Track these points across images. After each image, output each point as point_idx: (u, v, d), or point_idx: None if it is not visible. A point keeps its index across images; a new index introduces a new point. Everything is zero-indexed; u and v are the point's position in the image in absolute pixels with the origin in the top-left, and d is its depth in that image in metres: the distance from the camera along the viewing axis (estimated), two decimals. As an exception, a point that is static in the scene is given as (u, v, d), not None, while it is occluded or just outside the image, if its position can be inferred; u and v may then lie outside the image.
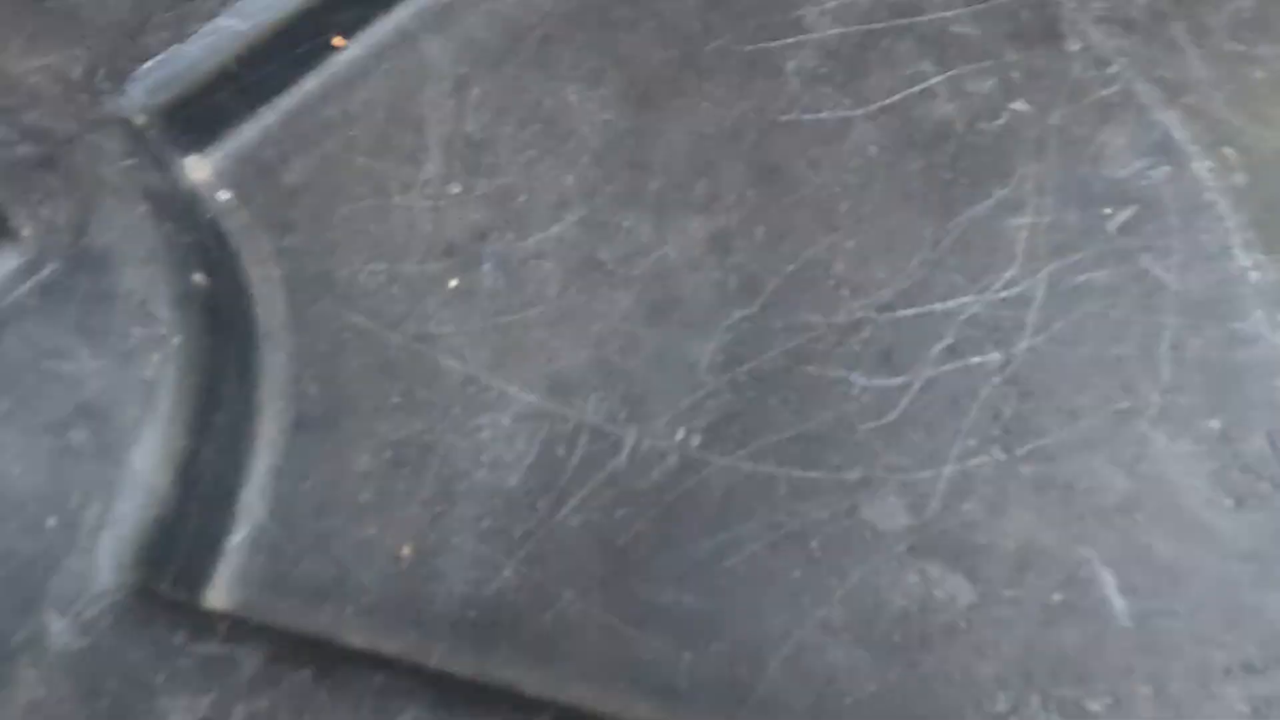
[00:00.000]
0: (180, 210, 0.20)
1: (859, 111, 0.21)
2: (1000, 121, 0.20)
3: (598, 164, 0.22)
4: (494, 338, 0.20)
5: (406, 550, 0.18)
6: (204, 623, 0.15)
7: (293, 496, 0.18)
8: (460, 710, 0.16)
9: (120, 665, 0.15)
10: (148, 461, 0.17)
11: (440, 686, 0.16)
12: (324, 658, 0.16)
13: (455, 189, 0.22)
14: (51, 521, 0.16)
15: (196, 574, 0.17)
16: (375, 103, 0.24)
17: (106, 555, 0.16)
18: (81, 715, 0.15)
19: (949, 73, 0.21)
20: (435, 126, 0.23)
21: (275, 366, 0.20)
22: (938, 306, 0.18)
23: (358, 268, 0.22)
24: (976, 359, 0.18)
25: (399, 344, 0.20)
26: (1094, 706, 0.16)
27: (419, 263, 0.21)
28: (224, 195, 0.23)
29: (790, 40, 0.22)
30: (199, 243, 0.20)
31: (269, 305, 0.21)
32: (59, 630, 0.16)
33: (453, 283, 0.21)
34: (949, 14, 0.22)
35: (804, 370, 0.18)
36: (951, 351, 0.18)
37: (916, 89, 0.21)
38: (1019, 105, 0.20)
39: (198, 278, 0.19)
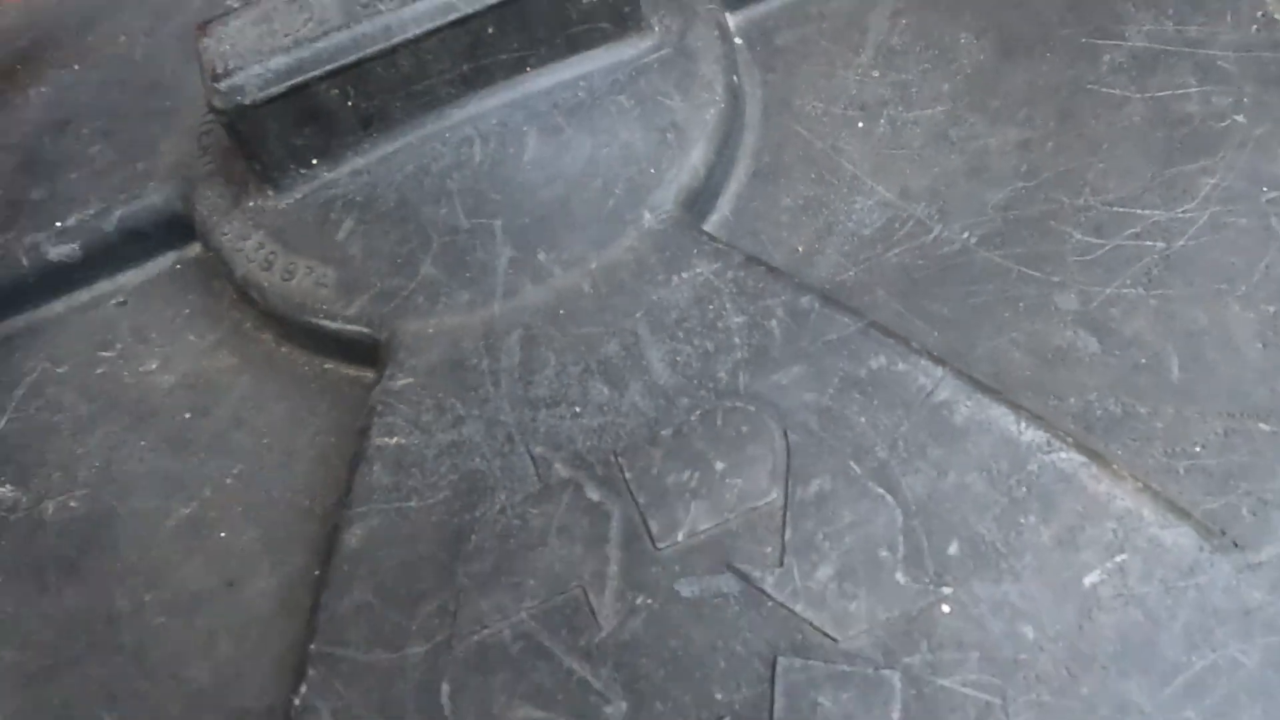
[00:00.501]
0: (722, 37, 0.36)
1: (1137, 95, 0.34)
2: (1224, 124, 0.32)
3: (965, 81, 0.35)
4: (876, 159, 0.34)
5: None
6: (707, 240, 0.31)
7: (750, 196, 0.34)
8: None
9: (655, 262, 0.31)
10: (699, 158, 0.33)
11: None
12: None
13: (875, 74, 0.37)
14: (651, 170, 0.32)
15: (703, 216, 0.33)
16: (840, 11, 0.39)
17: (672, 195, 0.32)
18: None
19: (1203, 88, 0.33)
20: (873, 34, 0.38)
21: (749, 141, 0.36)
22: (1138, 211, 0.31)
23: (806, 102, 0.37)
24: (1149, 242, 0.30)
25: (820, 149, 0.35)
26: None
27: (842, 109, 0.36)
28: (739, 40, 0.39)
29: (1111, 42, 0.35)
30: (727, 57, 0.36)
31: (751, 111, 0.37)
32: (621, 236, 0.32)
33: (860, 124, 0.36)
34: (1221, 53, 0.34)
35: (1047, 222, 0.32)
36: (1137, 235, 0.31)
37: (1178, 91, 0.33)
38: (1239, 118, 0.32)
39: (729, 79, 0.35)
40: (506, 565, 0.27)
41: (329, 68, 0.31)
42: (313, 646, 0.27)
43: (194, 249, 0.37)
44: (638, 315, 0.30)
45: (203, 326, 0.36)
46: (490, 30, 0.32)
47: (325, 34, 0.31)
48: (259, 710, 0.28)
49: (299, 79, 0.31)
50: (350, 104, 0.32)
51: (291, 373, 0.34)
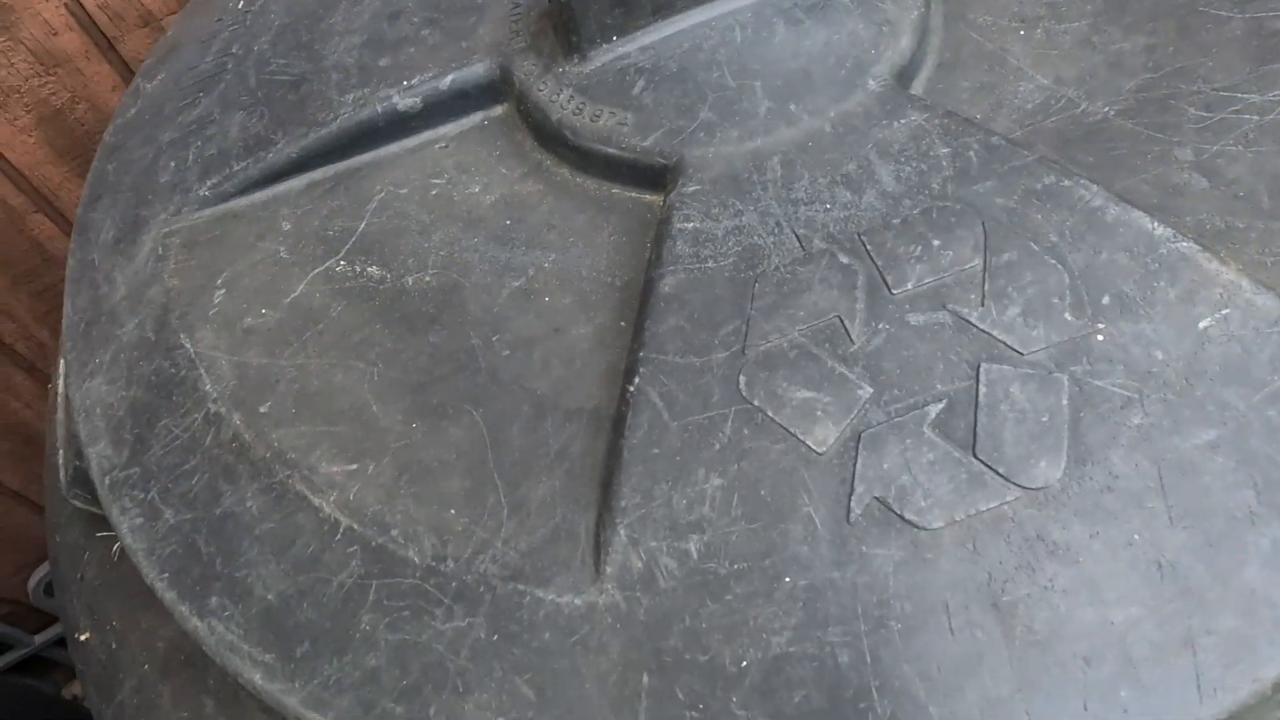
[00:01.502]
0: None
1: (1238, 15, 0.44)
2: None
3: (1103, 3, 0.46)
4: (1034, 57, 0.45)
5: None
6: (917, 98, 0.42)
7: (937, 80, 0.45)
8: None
9: (879, 112, 0.42)
10: (906, 45, 0.44)
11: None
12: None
13: (1039, 34, 0.48)
14: (871, 51, 0.44)
15: (907, 89, 0.44)
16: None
17: (887, 69, 0.43)
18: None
19: (1290, 10, 0.44)
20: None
21: (934, 41, 0.47)
22: (1238, 95, 0.42)
23: (977, 15, 0.48)
24: (1246, 116, 0.41)
25: (989, 49, 0.46)
26: None
27: (1006, 21, 0.47)
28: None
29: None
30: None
31: (935, 20, 0.48)
32: (852, 94, 0.43)
33: (1020, 33, 0.47)
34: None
35: (1169, 101, 0.42)
36: (1238, 111, 0.41)
37: (1271, 14, 0.44)
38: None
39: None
40: (783, 302, 0.38)
41: (643, -37, 0.43)
42: (641, 354, 0.38)
43: (498, 110, 0.49)
44: (869, 146, 0.41)
45: (511, 164, 0.47)
46: (755, -56, 0.44)
47: (644, -62, 0.42)
48: (588, 409, 0.39)
49: (620, -27, 0.42)
50: (649, -5, 0.44)
51: (587, 195, 0.45)
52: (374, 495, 0.39)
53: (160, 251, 0.48)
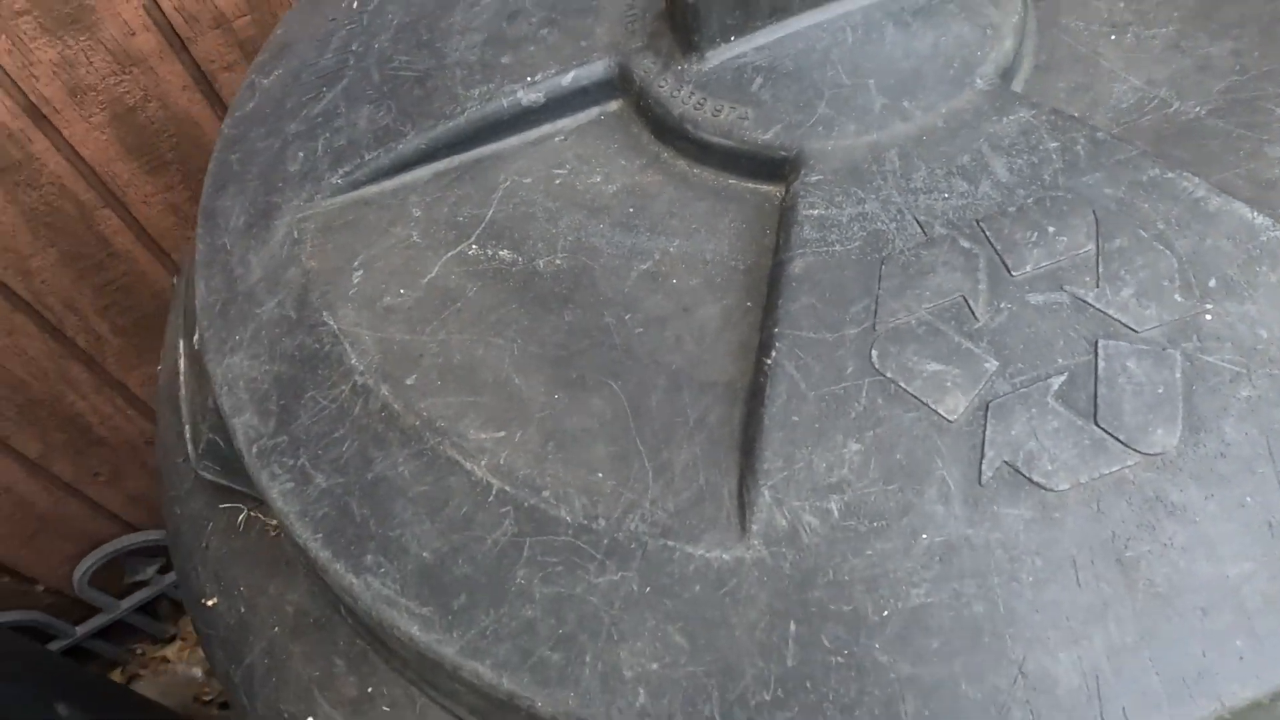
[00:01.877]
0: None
1: (1320, 22, 0.47)
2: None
3: (1190, 11, 0.49)
4: (1126, 60, 0.48)
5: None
6: (1023, 96, 0.45)
7: (1035, 81, 0.48)
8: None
9: (989, 109, 0.45)
10: (1009, 47, 0.47)
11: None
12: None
13: (1120, 4, 0.51)
14: (978, 53, 0.47)
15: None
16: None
17: (993, 69, 0.46)
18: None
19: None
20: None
21: (1031, 45, 0.50)
22: (1325, 94, 0.45)
23: (1070, 21, 0.51)
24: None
25: (1083, 52, 0.49)
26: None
27: (1097, 27, 0.50)
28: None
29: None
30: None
31: (1031, 25, 0.51)
32: (961, 92, 0.46)
33: (1112, 37, 0.50)
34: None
35: (1257, 102, 0.45)
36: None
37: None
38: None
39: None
40: (909, 283, 0.41)
41: (766, -30, 0.46)
42: (776, 330, 0.41)
43: (613, 105, 0.52)
44: (981, 140, 0.44)
45: (630, 155, 0.50)
46: (866, -47, 0.47)
47: (767, -55, 0.45)
48: (722, 382, 0.42)
49: (746, -24, 0.45)
50: (769, -2, 0.47)
51: (705, 185, 0.48)
52: (523, 460, 0.41)
53: (296, 235, 0.51)
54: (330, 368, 0.46)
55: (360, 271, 0.48)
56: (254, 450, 0.46)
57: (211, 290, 0.52)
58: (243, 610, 0.52)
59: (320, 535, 0.43)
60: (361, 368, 0.45)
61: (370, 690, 0.48)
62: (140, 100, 1.00)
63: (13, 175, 0.98)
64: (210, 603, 0.54)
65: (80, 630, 1.52)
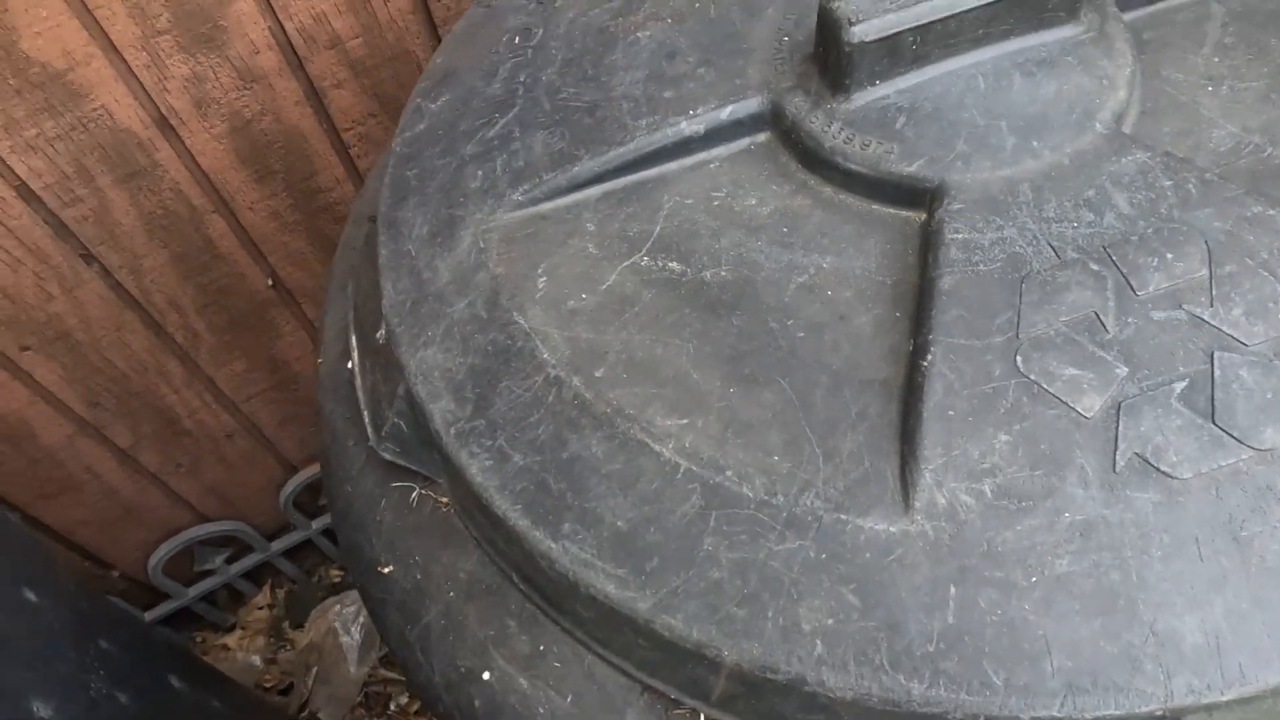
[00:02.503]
0: (1125, 29, 0.57)
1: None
2: None
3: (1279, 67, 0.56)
4: (1223, 109, 0.55)
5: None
6: (1138, 141, 0.52)
7: (1142, 125, 0.55)
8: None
9: (1108, 150, 0.52)
10: (1122, 97, 0.54)
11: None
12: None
13: (1215, 59, 0.57)
14: (1095, 100, 0.53)
15: (1123, 132, 0.54)
16: (1185, 21, 0.59)
17: (1110, 116, 0.53)
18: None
19: None
20: (1210, 36, 0.58)
21: (1137, 94, 0.57)
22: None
23: (1169, 74, 0.57)
24: None
25: (1182, 101, 0.56)
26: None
27: (1195, 79, 0.57)
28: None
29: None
30: (1129, 42, 0.56)
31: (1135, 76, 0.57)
32: (1083, 134, 0.53)
33: (1208, 89, 0.56)
34: None
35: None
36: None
37: None
38: None
39: (1133, 54, 0.56)
40: (1046, 299, 0.47)
41: (914, 24, 0.52)
42: (930, 336, 0.47)
43: (761, 137, 0.59)
44: (1103, 177, 0.50)
45: (780, 182, 0.57)
46: (999, 9, 0.53)
47: (916, 3, 0.52)
48: (878, 380, 0.48)
49: (897, 30, 0.52)
50: (913, 47, 0.53)
51: (850, 210, 0.55)
52: (706, 444, 0.48)
53: (482, 245, 0.57)
54: (524, 361, 0.53)
55: (544, 278, 0.55)
56: (452, 432, 0.53)
57: (399, 291, 0.59)
58: (418, 577, 0.58)
59: (519, 506, 0.50)
60: (553, 361, 0.52)
61: (542, 648, 0.54)
62: (257, 114, 1.07)
63: (138, 180, 1.05)
64: (386, 570, 0.60)
65: (148, 616, 1.58)
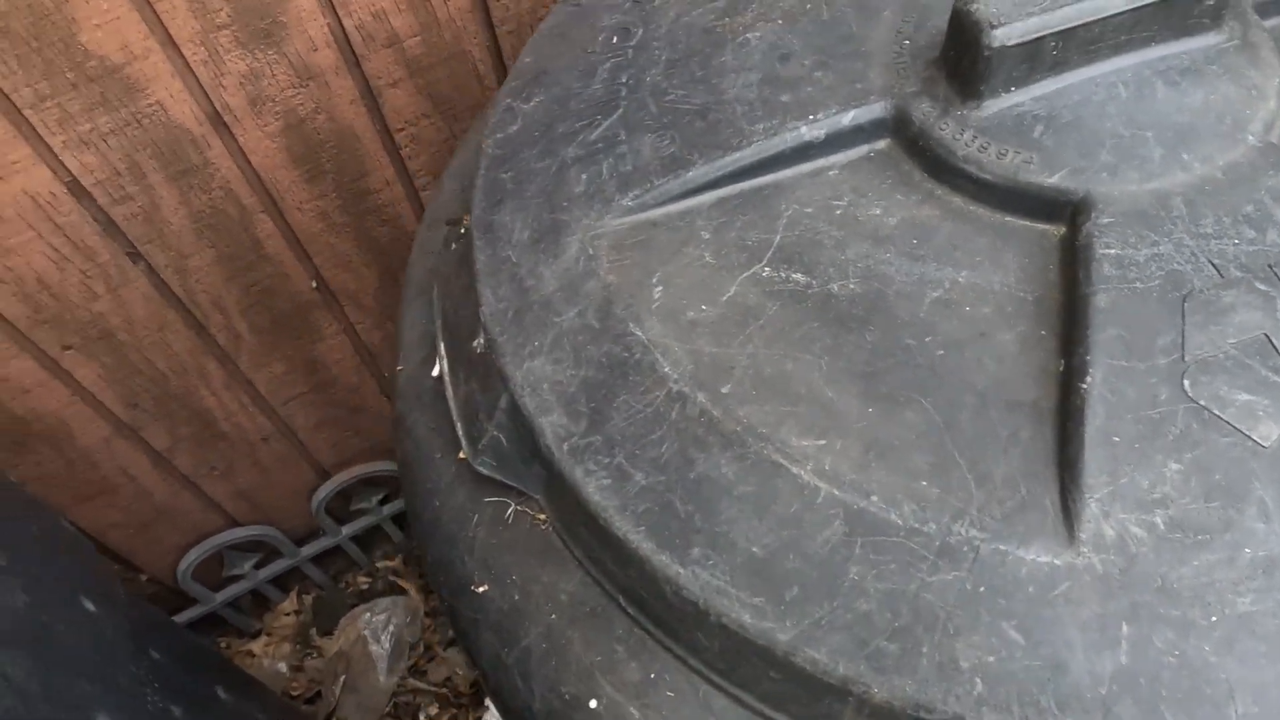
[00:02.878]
0: (1268, 37, 0.55)
1: None
2: None
3: None
4: None
5: None
6: None
7: None
8: None
9: (1263, 164, 0.49)
10: (1273, 107, 0.51)
11: None
12: None
13: None
14: (1245, 111, 0.51)
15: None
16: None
17: (1260, 128, 0.50)
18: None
19: None
20: None
21: None
22: None
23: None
24: None
25: None
26: None
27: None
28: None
29: None
30: (1273, 50, 0.54)
31: None
32: (1234, 147, 0.50)
33: None
34: None
35: None
36: None
37: None
38: None
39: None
40: (1211, 320, 0.45)
41: (1058, 29, 0.50)
42: (1088, 357, 0.45)
43: (880, 144, 0.56)
44: (1261, 192, 0.48)
45: (904, 191, 0.54)
46: (1144, 15, 0.51)
47: (1061, 7, 0.50)
48: (1027, 402, 0.46)
49: (1039, 34, 0.50)
50: (1053, 53, 0.51)
51: (982, 221, 0.52)
52: (847, 466, 0.45)
53: (590, 251, 0.55)
54: (642, 375, 0.50)
55: (659, 287, 0.52)
56: (565, 448, 0.50)
57: (500, 298, 0.56)
58: (516, 597, 0.56)
59: (643, 528, 0.47)
60: (675, 376, 0.49)
61: (653, 676, 0.51)
62: (311, 112, 1.05)
63: (189, 179, 1.03)
64: (481, 589, 0.57)
65: (176, 620, 1.55)
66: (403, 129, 1.12)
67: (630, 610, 0.52)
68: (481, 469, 0.57)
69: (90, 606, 0.75)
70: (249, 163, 1.05)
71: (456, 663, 1.56)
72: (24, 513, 0.74)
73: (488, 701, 1.54)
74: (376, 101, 1.08)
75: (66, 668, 0.67)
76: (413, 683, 1.56)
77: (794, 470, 0.46)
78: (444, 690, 1.55)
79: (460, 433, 0.59)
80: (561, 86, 0.64)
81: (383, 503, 1.56)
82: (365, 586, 1.67)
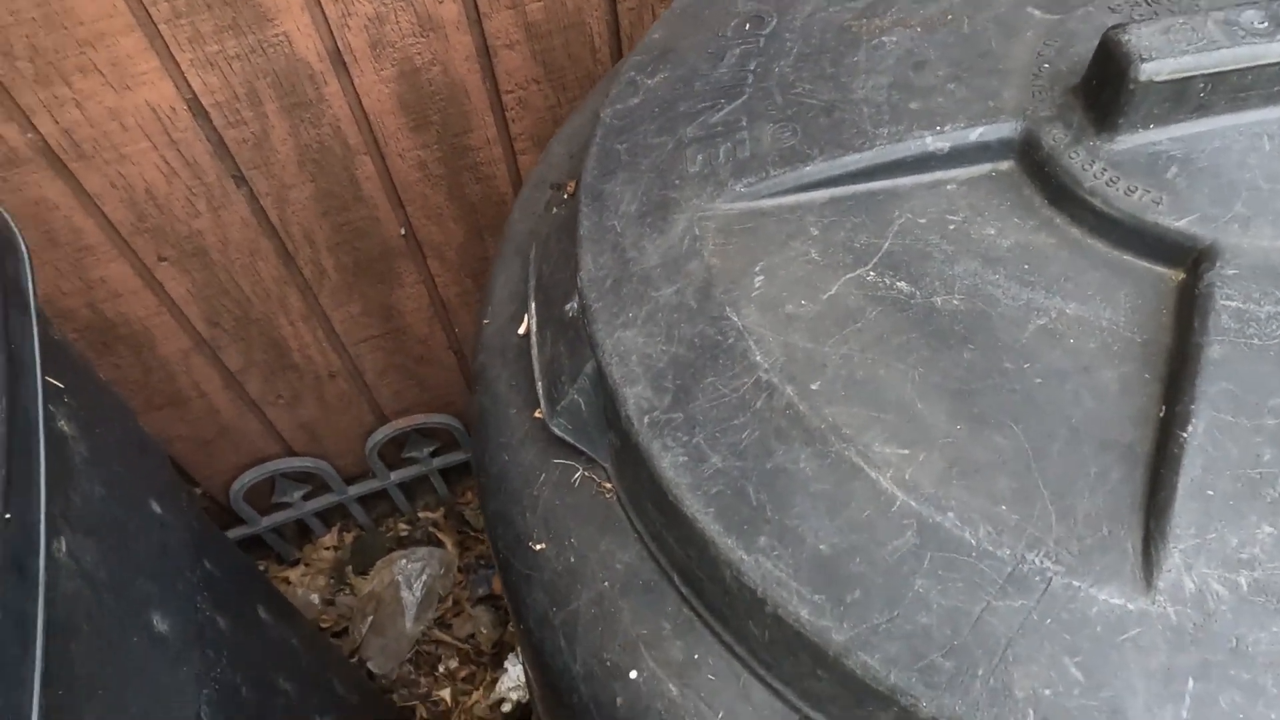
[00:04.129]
0: None
1: None
2: None
3: None
4: None
5: None
6: None
7: None
8: None
9: None
10: None
11: None
12: None
13: None
14: None
15: None
16: None
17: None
18: None
19: None
20: None
21: None
22: None
23: None
24: None
25: None
26: None
27: None
28: None
29: None
30: None
31: None
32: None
33: None
34: None
35: None
36: None
37: None
38: None
39: None
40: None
41: (1211, 70, 0.49)
42: (1193, 406, 0.44)
43: (1004, 165, 0.55)
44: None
45: (1022, 215, 0.54)
46: (1295, 69, 0.50)
47: (1216, 49, 0.48)
48: (1122, 443, 0.45)
49: (1190, 74, 0.49)
50: (1200, 94, 0.50)
51: (1099, 255, 0.51)
52: (927, 479, 0.45)
53: (697, 232, 0.55)
54: (733, 360, 0.50)
55: (761, 277, 0.53)
56: (645, 420, 0.51)
57: (600, 266, 0.57)
58: (572, 560, 0.57)
59: (712, 510, 0.47)
60: (766, 365, 0.49)
61: (696, 657, 0.52)
62: (427, 63, 1.07)
63: (302, 112, 1.05)
64: (538, 547, 0.58)
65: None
66: (512, 91, 1.13)
67: (683, 589, 0.53)
68: (556, 429, 0.58)
69: (157, 509, 0.77)
70: (360, 104, 1.07)
71: (482, 621, 1.59)
72: (110, 412, 0.77)
73: (507, 663, 1.56)
74: (490, 61, 1.09)
75: (130, 564, 0.69)
76: (437, 634, 1.59)
77: (873, 475, 0.46)
78: (466, 646, 1.57)
79: (540, 392, 0.60)
80: (688, 66, 0.64)
81: (434, 455, 1.59)
82: (404, 533, 1.70)
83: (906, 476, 0.45)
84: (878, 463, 0.46)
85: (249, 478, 1.48)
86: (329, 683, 1.11)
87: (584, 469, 0.59)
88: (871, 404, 0.48)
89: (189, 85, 0.99)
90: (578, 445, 0.58)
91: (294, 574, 1.67)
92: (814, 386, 0.49)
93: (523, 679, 1.52)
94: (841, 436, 0.47)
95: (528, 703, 1.50)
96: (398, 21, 1.02)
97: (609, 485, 0.58)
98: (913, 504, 0.45)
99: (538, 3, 1.06)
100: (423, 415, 1.52)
